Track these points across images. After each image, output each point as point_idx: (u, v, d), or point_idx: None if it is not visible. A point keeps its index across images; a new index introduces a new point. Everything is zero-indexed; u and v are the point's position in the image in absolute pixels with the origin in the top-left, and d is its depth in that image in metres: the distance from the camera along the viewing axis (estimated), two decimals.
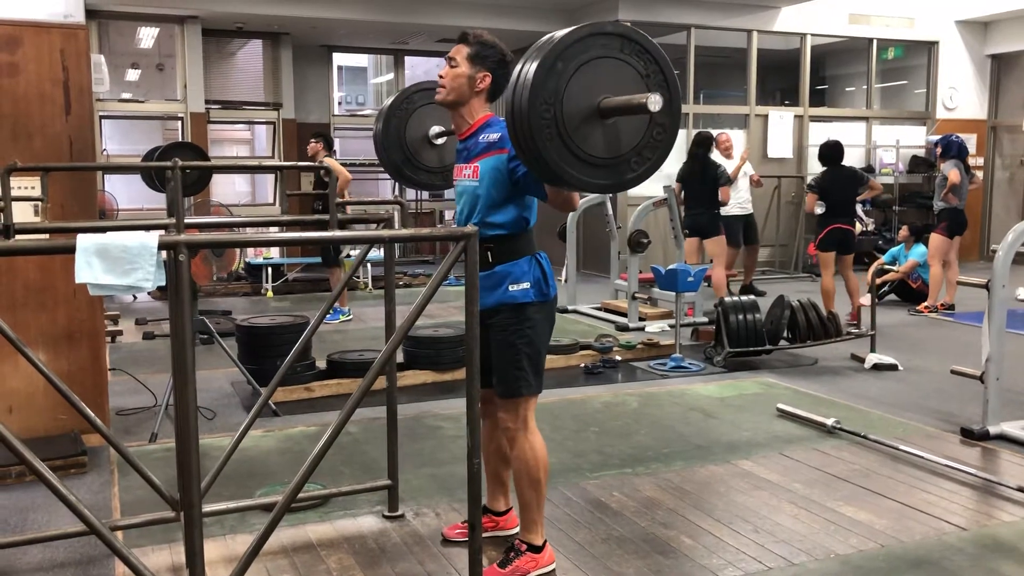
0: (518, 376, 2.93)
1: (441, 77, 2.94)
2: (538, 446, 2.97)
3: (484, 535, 3.07)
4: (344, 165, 8.85)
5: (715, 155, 8.27)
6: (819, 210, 7.41)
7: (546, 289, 2.95)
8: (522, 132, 2.49)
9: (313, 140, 8.17)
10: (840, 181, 7.44)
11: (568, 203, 2.87)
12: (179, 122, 11.14)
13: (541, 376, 3.00)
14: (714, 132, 8.64)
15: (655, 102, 2.40)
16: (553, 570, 3.05)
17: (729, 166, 8.63)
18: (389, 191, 13.53)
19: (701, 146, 7.73)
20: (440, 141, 3.47)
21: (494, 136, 2.88)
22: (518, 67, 2.53)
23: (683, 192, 7.87)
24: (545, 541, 3.06)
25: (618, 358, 6.33)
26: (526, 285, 2.90)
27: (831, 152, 7.51)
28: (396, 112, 3.46)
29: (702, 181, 7.61)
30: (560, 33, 2.50)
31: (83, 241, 2.09)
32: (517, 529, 3.20)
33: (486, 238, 2.86)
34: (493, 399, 3.07)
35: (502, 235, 2.90)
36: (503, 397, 2.96)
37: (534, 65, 2.45)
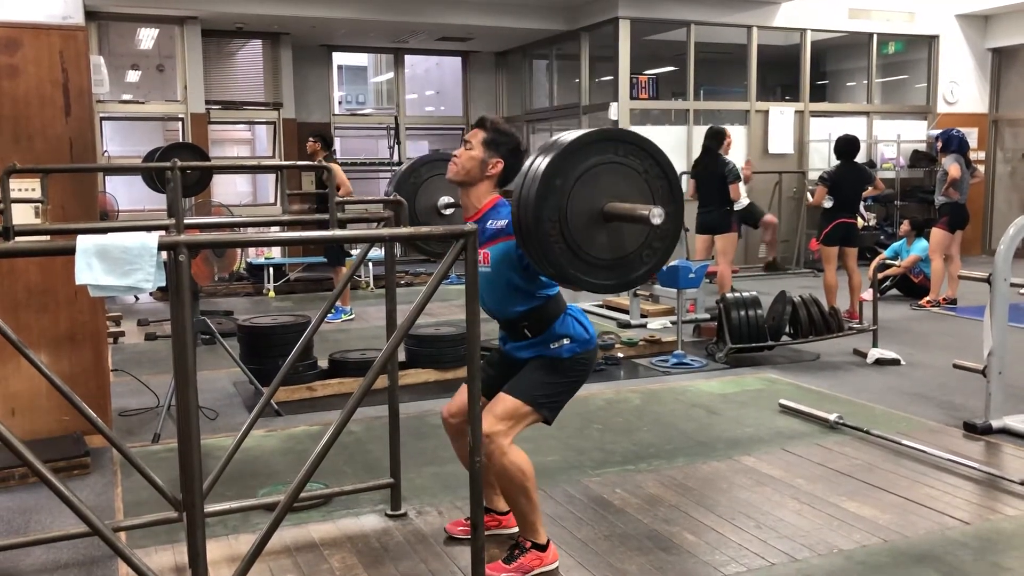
0: (534, 392, 2.93)
1: (456, 157, 3.00)
2: (517, 461, 2.91)
3: (486, 533, 3.06)
4: (344, 164, 8.86)
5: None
6: (827, 203, 7.43)
7: (586, 336, 3.01)
8: (533, 247, 2.57)
9: (312, 139, 8.17)
10: (851, 177, 7.46)
11: None
12: (179, 123, 11.14)
13: (556, 411, 3.01)
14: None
15: (657, 215, 2.44)
16: (556, 568, 3.05)
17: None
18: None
19: (711, 140, 7.70)
20: (449, 212, 3.57)
21: (501, 223, 2.93)
22: (518, 185, 2.60)
23: (696, 190, 7.84)
24: (549, 540, 3.06)
25: (620, 355, 6.33)
26: (566, 341, 2.97)
27: (847, 147, 7.53)
28: (408, 180, 3.55)
29: (711, 178, 7.59)
30: (563, 140, 2.55)
31: (83, 242, 2.09)
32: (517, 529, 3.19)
33: (519, 316, 2.96)
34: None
35: (531, 311, 2.96)
36: (510, 394, 2.93)
37: (535, 185, 2.51)
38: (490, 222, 2.96)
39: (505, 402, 2.92)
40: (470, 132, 3.03)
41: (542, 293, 2.96)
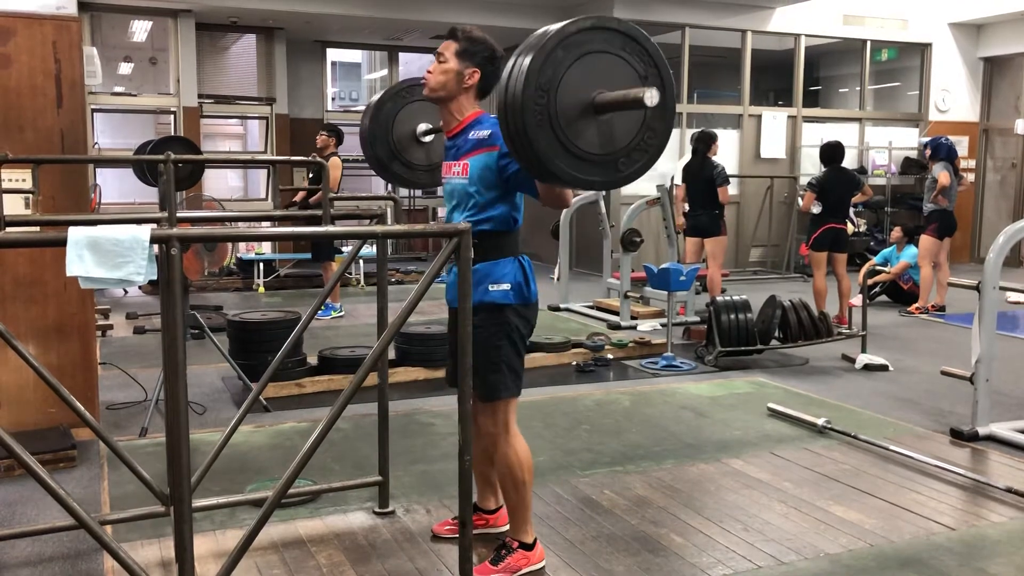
0: (497, 380, 2.89)
1: (429, 73, 2.90)
2: (520, 449, 2.95)
3: (474, 532, 3.07)
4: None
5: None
6: (815, 209, 7.45)
7: (527, 293, 2.91)
8: (514, 121, 2.44)
9: (325, 133, 8.02)
10: (839, 182, 7.48)
11: (561, 200, 2.83)
12: (172, 116, 11.11)
13: (520, 379, 2.95)
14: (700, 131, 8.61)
15: (651, 96, 2.36)
16: (543, 567, 3.05)
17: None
18: (382, 187, 13.52)
19: (700, 143, 7.71)
20: (428, 139, 3.43)
21: (484, 133, 2.85)
22: (514, 57, 2.48)
23: (686, 192, 7.86)
24: (536, 539, 3.06)
25: (610, 356, 6.33)
26: (506, 286, 2.85)
27: (832, 152, 7.55)
28: (384, 107, 3.42)
29: (700, 181, 7.61)
30: (561, 23, 2.46)
31: (74, 234, 2.08)
32: (508, 527, 3.20)
33: (472, 234, 2.85)
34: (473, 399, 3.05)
35: (488, 232, 2.86)
36: (483, 400, 2.92)
37: (532, 52, 2.41)
38: (472, 132, 2.87)
39: (484, 408, 2.91)
40: (442, 44, 2.90)
41: (507, 215, 2.86)
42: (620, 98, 2.44)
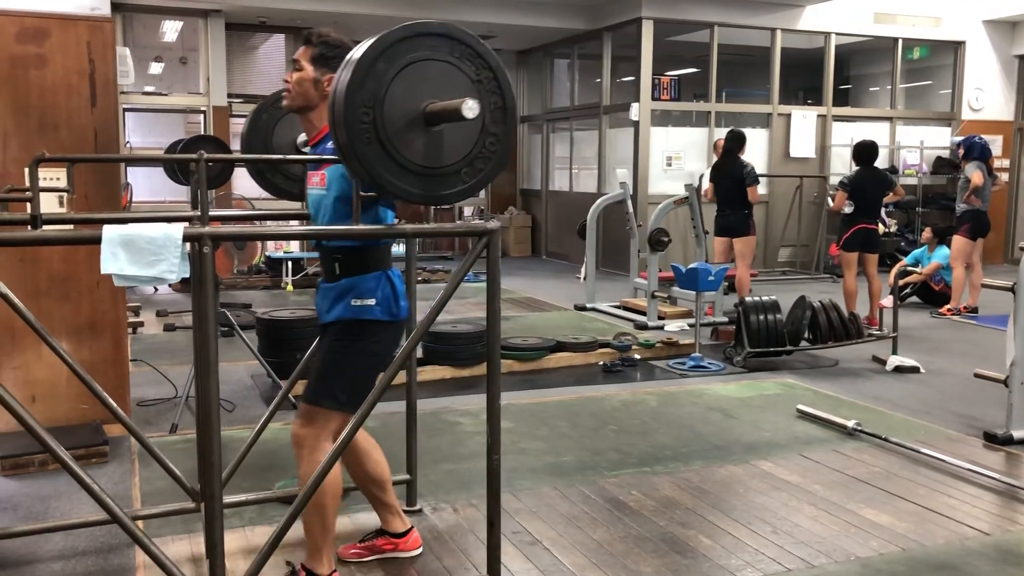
0: (324, 386, 2.72)
1: (287, 82, 2.77)
2: (323, 465, 2.60)
3: (380, 556, 3.07)
4: None
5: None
6: (847, 209, 7.38)
7: (395, 309, 2.74)
8: (343, 138, 2.31)
9: None
10: (871, 182, 7.41)
11: (416, 215, 2.69)
12: (201, 115, 11.21)
13: (357, 398, 2.59)
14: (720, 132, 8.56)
15: (471, 108, 2.21)
16: None
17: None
18: None
19: (733, 143, 7.67)
20: (309, 148, 3.41)
21: None
22: (339, 71, 2.35)
23: (714, 193, 7.82)
24: (333, 572, 2.84)
25: (637, 357, 6.31)
26: (371, 302, 2.69)
27: (866, 152, 7.47)
28: (261, 118, 3.35)
29: (729, 180, 7.57)
30: (382, 32, 2.33)
31: (109, 232, 2.10)
32: (418, 551, 3.11)
33: (334, 249, 2.72)
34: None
35: (350, 247, 2.70)
36: (304, 401, 2.76)
37: (351, 68, 2.28)
38: (330, 142, 2.70)
39: (304, 410, 2.75)
40: (299, 51, 2.75)
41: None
42: (443, 109, 2.31)
